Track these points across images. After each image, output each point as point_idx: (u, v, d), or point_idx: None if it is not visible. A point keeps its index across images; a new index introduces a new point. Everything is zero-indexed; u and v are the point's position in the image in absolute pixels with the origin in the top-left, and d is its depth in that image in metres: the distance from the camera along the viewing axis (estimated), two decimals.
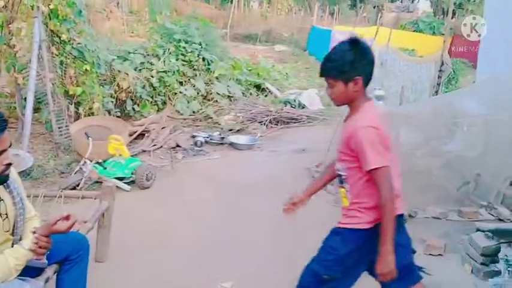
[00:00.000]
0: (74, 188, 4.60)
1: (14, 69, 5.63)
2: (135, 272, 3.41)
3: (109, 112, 6.64)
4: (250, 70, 10.19)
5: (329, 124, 8.18)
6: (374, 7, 28.78)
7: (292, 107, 8.98)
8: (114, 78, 6.94)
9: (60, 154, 5.52)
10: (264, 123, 7.91)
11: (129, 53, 7.99)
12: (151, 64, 7.90)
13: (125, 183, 4.94)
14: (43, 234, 2.17)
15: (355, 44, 2.18)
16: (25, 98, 5.55)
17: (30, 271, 2.37)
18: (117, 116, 6.77)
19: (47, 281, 2.42)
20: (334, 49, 2.22)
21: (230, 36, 20.61)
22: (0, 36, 5.69)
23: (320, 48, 17.44)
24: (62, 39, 5.74)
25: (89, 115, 6.09)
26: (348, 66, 2.16)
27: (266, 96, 9.37)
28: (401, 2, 31.93)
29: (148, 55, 8.20)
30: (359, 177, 2.20)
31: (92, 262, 3.35)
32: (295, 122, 8.37)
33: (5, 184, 2.21)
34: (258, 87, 9.62)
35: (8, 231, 2.22)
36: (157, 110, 7.65)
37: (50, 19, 5.64)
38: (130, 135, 6.35)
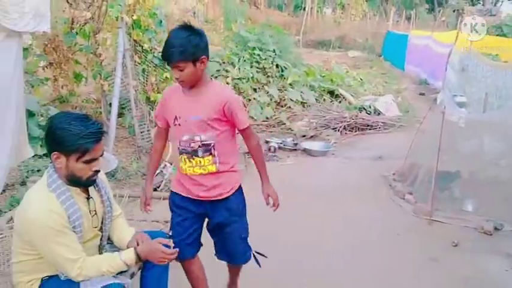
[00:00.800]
0: (155, 190, 4.78)
1: (100, 77, 5.98)
2: (213, 273, 3.46)
3: None
4: (323, 76, 10.11)
5: (406, 131, 7.91)
6: (454, 11, 27.55)
7: (367, 113, 8.79)
8: None
9: (142, 157, 5.77)
10: (338, 130, 7.80)
11: None
12: (227, 71, 8.07)
13: None
14: (142, 252, 2.29)
15: (191, 28, 2.39)
16: (110, 104, 5.87)
17: None
18: None
19: (131, 276, 2.54)
20: (174, 36, 2.37)
21: (303, 42, 20.63)
22: (88, 45, 6.09)
23: (396, 54, 16.99)
24: (144, 48, 6.03)
25: None
26: (195, 49, 2.33)
27: (340, 102, 9.24)
28: (483, 5, 30.32)
29: (224, 63, 8.39)
30: (229, 139, 2.53)
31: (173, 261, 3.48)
32: (370, 129, 8.19)
33: None
34: (331, 93, 9.52)
35: (96, 227, 2.34)
36: None
37: (133, 29, 5.94)
38: None
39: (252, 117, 7.89)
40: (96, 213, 2.31)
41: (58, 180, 2.13)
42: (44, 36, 6.60)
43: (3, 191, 4.15)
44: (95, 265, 2.17)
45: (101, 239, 2.43)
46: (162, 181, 4.78)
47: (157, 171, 4.93)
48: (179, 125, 2.48)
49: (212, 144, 2.47)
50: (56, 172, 2.14)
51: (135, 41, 6.02)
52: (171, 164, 4.84)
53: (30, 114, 5.20)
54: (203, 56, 2.37)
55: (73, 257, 2.10)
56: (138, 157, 5.68)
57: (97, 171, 2.20)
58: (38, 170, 4.80)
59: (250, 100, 8.06)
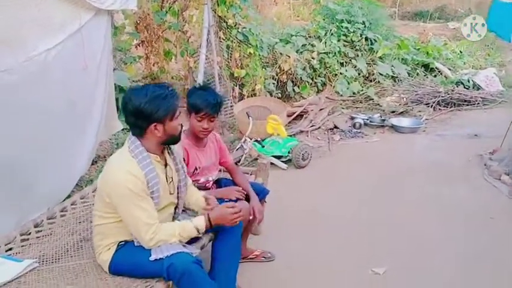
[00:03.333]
0: (236, 164, 4.84)
1: (186, 54, 6.13)
2: (286, 249, 3.45)
3: (270, 93, 6.84)
4: (418, 49, 9.51)
5: (508, 107, 7.24)
6: None
7: (465, 88, 8.15)
8: (276, 60, 7.10)
9: (225, 132, 5.89)
10: (431, 105, 7.32)
11: (292, 35, 8.09)
12: (313, 46, 7.89)
13: (282, 161, 5.05)
14: (212, 216, 2.39)
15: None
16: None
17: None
18: (278, 97, 6.93)
19: (202, 247, 2.59)
20: (210, 92, 2.80)
21: (399, 14, 19.60)
22: (176, 23, 6.25)
23: (502, 24, 15.49)
24: (228, 24, 6.05)
25: (252, 96, 6.35)
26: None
27: (435, 76, 8.65)
28: None
29: (310, 37, 8.20)
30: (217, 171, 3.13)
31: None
32: (467, 105, 7.58)
33: (169, 151, 2.42)
34: (426, 67, 8.93)
35: (172, 193, 2.41)
36: (317, 92, 7.63)
37: (218, 5, 5.98)
38: (289, 115, 6.45)
39: (338, 93, 7.67)
40: (172, 180, 2.40)
41: (140, 147, 2.24)
42: (136, 15, 6.90)
43: (95, 162, 4.44)
44: (167, 230, 2.25)
45: (175, 208, 2.51)
46: (243, 155, 4.82)
47: (238, 146, 4.99)
48: (198, 173, 2.89)
49: (217, 179, 3.09)
50: (137, 140, 2.25)
51: (219, 17, 6.06)
52: (250, 139, 4.86)
53: (120, 90, 5.49)
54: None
55: (149, 221, 2.18)
56: (221, 132, 5.78)
57: (182, 125, 2.36)
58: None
59: (336, 75, 7.83)
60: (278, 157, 5.06)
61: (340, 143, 6.02)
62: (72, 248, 2.59)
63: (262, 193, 3.10)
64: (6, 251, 2.51)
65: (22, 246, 2.58)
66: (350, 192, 4.52)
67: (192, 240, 2.55)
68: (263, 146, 5.01)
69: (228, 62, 6.25)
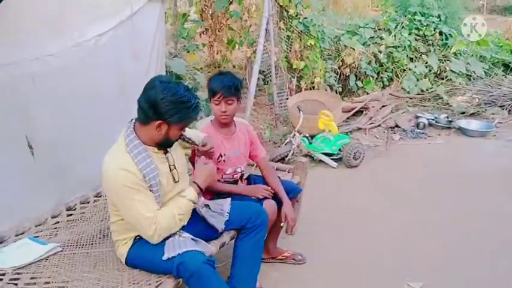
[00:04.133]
0: (283, 159, 4.73)
1: (245, 43, 6.06)
2: (319, 253, 3.30)
3: (331, 87, 6.61)
4: (500, 46, 8.78)
5: None
6: None
7: None
8: (339, 53, 6.84)
9: (279, 125, 5.77)
10: (506, 108, 6.72)
11: (360, 27, 7.75)
12: (381, 39, 7.51)
13: (332, 159, 4.86)
14: (195, 178, 2.38)
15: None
16: None
17: (209, 233, 2.50)
18: (339, 92, 6.69)
19: (222, 245, 2.51)
20: (224, 75, 2.71)
21: (487, 8, 18.31)
22: (237, 11, 6.20)
23: None
24: (289, 14, 5.89)
25: (311, 89, 6.17)
26: (241, 87, 2.73)
27: None
28: None
29: (379, 29, 7.82)
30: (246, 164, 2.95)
31: (282, 232, 3.41)
32: None
33: None
34: (506, 66, 8.22)
35: (177, 181, 2.34)
36: (382, 87, 7.28)
37: None
38: (348, 111, 6.21)
39: (404, 89, 7.27)
40: (175, 168, 2.32)
41: (135, 140, 2.18)
42: (201, 3, 6.93)
43: None
44: (165, 215, 2.19)
45: None
46: (290, 150, 4.68)
47: (286, 140, 4.87)
48: (223, 161, 2.78)
49: (244, 172, 2.94)
50: (133, 133, 2.20)
51: (280, 6, 5.92)
52: (300, 134, 4.71)
53: (177, 77, 5.53)
54: (241, 96, 2.74)
55: (149, 215, 2.13)
56: (274, 125, 5.68)
57: (181, 135, 2.31)
58: None
59: (404, 70, 7.41)
60: (329, 155, 4.87)
61: (400, 143, 5.69)
62: (97, 235, 2.62)
63: (293, 191, 2.97)
64: (35, 232, 2.59)
65: (52, 229, 2.65)
66: (401, 196, 4.26)
67: (214, 237, 2.50)
68: (311, 143, 4.85)
69: (287, 53, 6.10)
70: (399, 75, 7.42)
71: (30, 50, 3.06)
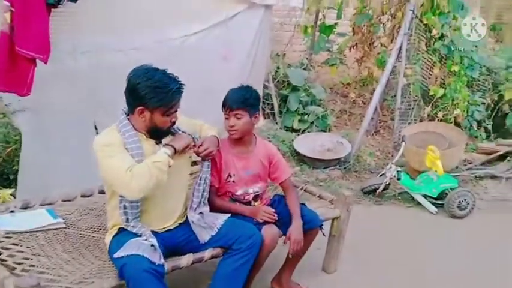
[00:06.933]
0: (374, 191, 4.27)
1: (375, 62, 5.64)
2: None
3: (479, 123, 5.68)
4: None
5: None
6: None
7: None
8: (497, 85, 5.81)
9: (395, 154, 5.20)
10: None
11: None
12: None
13: (435, 204, 4.20)
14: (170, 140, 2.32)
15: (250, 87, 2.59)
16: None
17: (195, 244, 2.41)
18: (490, 130, 5.69)
19: (199, 261, 2.38)
20: (237, 88, 2.56)
21: None
22: (378, 26, 5.80)
23: None
24: (432, 34, 5.26)
25: (445, 121, 5.41)
26: (255, 101, 2.57)
27: None
28: None
29: None
30: (266, 185, 2.77)
31: (318, 270, 3.11)
32: None
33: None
34: None
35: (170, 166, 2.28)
36: None
37: (425, 13, 5.25)
38: (489, 153, 5.27)
39: None
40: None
41: (128, 126, 2.24)
42: (355, 16, 6.64)
43: None
44: (141, 164, 2.16)
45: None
46: (382, 184, 4.18)
47: (382, 172, 4.37)
48: (233, 181, 2.61)
49: (261, 193, 2.72)
50: (126, 119, 2.25)
51: (425, 25, 5.31)
52: (395, 167, 4.17)
53: (293, 88, 5.46)
54: (258, 112, 2.57)
55: (124, 165, 2.12)
56: (391, 153, 5.11)
57: (174, 122, 2.30)
58: (282, 141, 5.01)
59: None
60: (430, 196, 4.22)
61: None
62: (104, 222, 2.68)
63: (312, 222, 2.64)
64: (60, 206, 2.78)
65: (76, 206, 2.81)
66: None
67: (193, 250, 2.39)
68: (413, 179, 4.27)
69: (424, 78, 5.46)
70: None
71: (113, 41, 3.37)
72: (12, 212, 2.61)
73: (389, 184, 4.27)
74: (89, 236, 2.58)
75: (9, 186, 3.34)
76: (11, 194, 3.15)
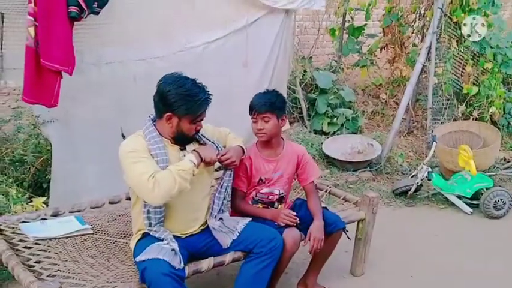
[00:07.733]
0: (406, 192, 4.17)
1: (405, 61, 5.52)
2: None
3: None
4: None
5: None
6: None
7: None
8: None
9: (426, 153, 5.07)
10: None
11: None
12: None
13: (470, 204, 4.05)
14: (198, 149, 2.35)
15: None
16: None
17: (217, 248, 2.43)
18: None
19: (220, 264, 2.39)
20: (263, 92, 2.61)
21: None
22: (404, 25, 5.68)
23: None
24: (462, 32, 5.10)
25: (480, 119, 5.23)
26: (282, 104, 2.60)
27: None
28: None
29: None
30: (290, 189, 2.82)
31: (346, 273, 3.07)
32: None
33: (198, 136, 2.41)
34: None
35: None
36: None
37: (455, 10, 5.10)
38: None
39: None
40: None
41: (154, 132, 2.29)
42: (384, 17, 6.53)
43: None
44: (164, 171, 2.19)
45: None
46: (413, 185, 4.07)
47: (413, 173, 4.26)
48: (263, 183, 2.66)
49: (285, 195, 2.74)
50: (152, 126, 2.31)
51: (455, 23, 5.16)
52: (427, 168, 4.05)
53: (321, 91, 5.41)
54: (284, 115, 2.61)
55: (148, 171, 2.14)
56: (418, 152, 5.00)
57: (199, 131, 2.36)
58: (312, 144, 4.97)
59: None
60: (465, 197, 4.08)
61: None
62: (131, 228, 2.71)
63: (334, 225, 2.61)
64: (89, 212, 2.85)
65: (104, 213, 2.89)
66: None
67: (215, 253, 2.40)
68: (446, 179, 4.14)
69: (457, 76, 5.30)
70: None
71: (136, 51, 3.44)
72: (43, 219, 2.70)
73: (421, 185, 4.16)
74: (116, 241, 2.64)
75: (43, 194, 3.45)
76: (43, 202, 3.25)
